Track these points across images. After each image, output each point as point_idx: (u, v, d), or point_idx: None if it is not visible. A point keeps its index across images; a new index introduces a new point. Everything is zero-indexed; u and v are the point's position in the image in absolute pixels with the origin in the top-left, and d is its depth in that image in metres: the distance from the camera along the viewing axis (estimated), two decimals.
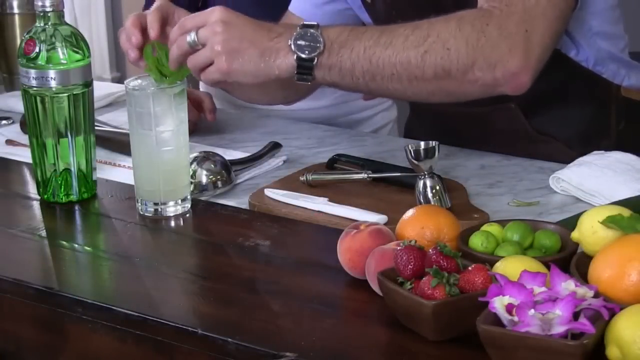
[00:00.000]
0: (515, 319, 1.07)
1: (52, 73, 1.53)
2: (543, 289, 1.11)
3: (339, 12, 1.84)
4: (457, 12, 1.47)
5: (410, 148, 1.47)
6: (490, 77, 1.45)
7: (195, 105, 1.92)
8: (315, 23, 1.46)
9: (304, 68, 1.45)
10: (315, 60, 1.45)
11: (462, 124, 1.81)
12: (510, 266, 1.19)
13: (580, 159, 1.61)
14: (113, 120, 1.97)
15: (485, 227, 1.31)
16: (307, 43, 1.44)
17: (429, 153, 1.47)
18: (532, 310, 1.07)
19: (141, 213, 1.54)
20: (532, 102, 1.66)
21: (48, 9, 1.53)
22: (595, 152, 1.62)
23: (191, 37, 1.46)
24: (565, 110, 1.74)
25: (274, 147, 1.76)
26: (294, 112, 2.09)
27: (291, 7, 1.87)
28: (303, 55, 1.44)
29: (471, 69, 1.44)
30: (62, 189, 1.58)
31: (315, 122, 2.05)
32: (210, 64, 1.45)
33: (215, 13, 1.45)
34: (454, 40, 1.44)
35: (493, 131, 1.77)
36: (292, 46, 1.45)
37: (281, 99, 1.92)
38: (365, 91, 1.56)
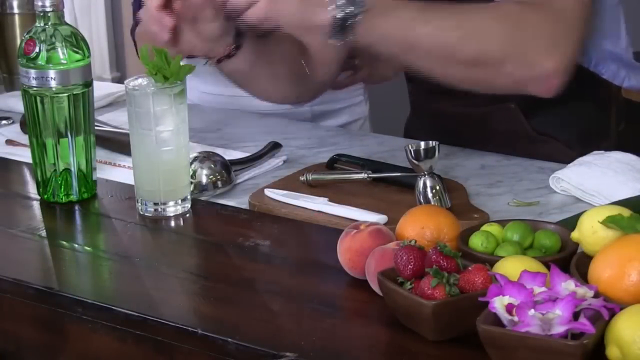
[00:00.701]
0: (515, 319, 1.07)
1: (52, 73, 1.53)
2: (543, 289, 1.11)
3: None
4: (499, 2, 1.46)
5: (410, 148, 1.47)
6: (524, 75, 1.44)
7: None
8: None
9: (341, 25, 1.44)
10: (355, 19, 1.43)
11: (461, 125, 1.81)
12: (510, 266, 1.19)
13: (580, 158, 1.61)
14: (113, 120, 1.97)
15: (485, 227, 1.31)
16: (347, 2, 1.43)
17: (429, 153, 1.47)
18: (532, 310, 1.07)
19: (141, 213, 1.54)
20: (532, 102, 1.66)
21: (48, 9, 1.53)
22: (595, 152, 1.62)
23: None
24: (565, 110, 1.74)
25: (274, 147, 1.76)
26: (252, 102, 2.04)
27: None
28: (343, 12, 1.43)
29: (507, 62, 1.43)
30: (62, 189, 1.58)
31: (276, 115, 2.03)
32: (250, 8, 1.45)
33: None
34: (496, 31, 1.43)
35: (493, 132, 1.77)
36: (333, 3, 1.43)
37: (294, 96, 1.91)
38: (395, 62, 1.54)
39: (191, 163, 1.58)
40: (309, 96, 1.92)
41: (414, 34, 1.44)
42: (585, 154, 1.62)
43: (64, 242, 1.47)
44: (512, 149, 1.75)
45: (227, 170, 1.62)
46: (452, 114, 1.78)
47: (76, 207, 1.58)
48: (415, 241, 1.23)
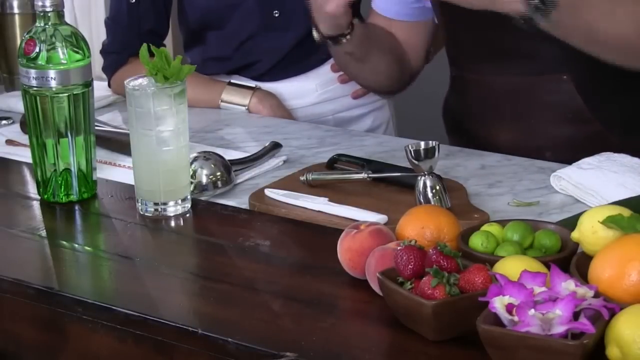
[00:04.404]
0: (516, 319, 1.07)
1: (52, 73, 1.53)
2: (543, 289, 1.11)
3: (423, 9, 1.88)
4: None
5: (410, 148, 1.47)
6: None
7: None
8: None
9: (532, 14, 1.47)
10: (546, 11, 1.46)
11: (505, 96, 1.79)
12: (510, 266, 1.19)
13: (583, 160, 1.60)
14: (113, 120, 1.97)
15: (485, 227, 1.31)
16: None
17: (429, 153, 1.47)
18: (532, 310, 1.07)
19: (141, 213, 1.54)
20: (587, 77, 1.64)
21: (48, 9, 1.53)
22: (601, 153, 1.61)
23: None
24: (623, 98, 1.73)
25: (274, 147, 1.76)
26: None
27: (374, 6, 1.92)
28: (535, 3, 1.46)
29: None
30: (62, 189, 1.58)
31: (301, 121, 2.06)
32: None
33: None
34: None
35: (538, 103, 1.75)
36: None
37: (388, 84, 1.95)
38: (577, 47, 1.55)
39: (191, 163, 1.58)
40: (400, 87, 1.97)
41: (603, 28, 1.48)
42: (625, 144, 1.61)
43: (64, 242, 1.47)
44: (553, 124, 1.74)
45: (227, 170, 1.62)
46: (498, 84, 1.77)
47: (76, 207, 1.58)
48: (416, 241, 1.23)
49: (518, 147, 1.77)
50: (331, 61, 2.16)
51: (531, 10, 1.48)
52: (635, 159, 1.59)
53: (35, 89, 1.55)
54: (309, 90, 2.15)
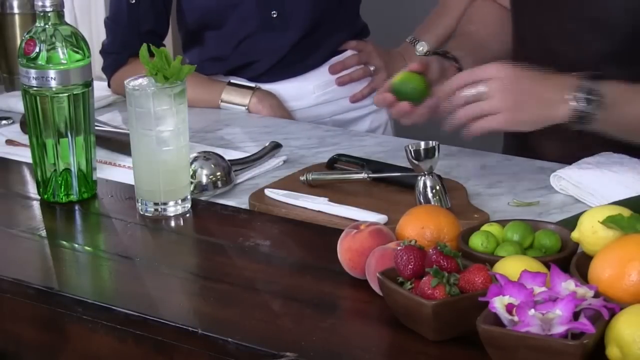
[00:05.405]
0: (516, 318, 1.07)
1: (52, 73, 1.53)
2: (543, 289, 1.11)
3: None
4: None
5: (410, 148, 1.47)
6: None
7: None
8: (595, 74, 1.53)
9: (580, 118, 1.52)
10: (592, 114, 1.51)
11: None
12: (510, 266, 1.19)
13: (583, 160, 1.60)
14: (113, 120, 1.97)
15: (485, 227, 1.31)
16: (586, 96, 1.52)
17: (429, 153, 1.47)
18: (532, 310, 1.07)
19: (141, 213, 1.54)
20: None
21: (48, 9, 1.53)
22: (602, 153, 1.61)
23: (472, 91, 1.54)
24: None
25: (274, 147, 1.76)
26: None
27: None
28: (582, 108, 1.52)
29: None
30: (62, 189, 1.58)
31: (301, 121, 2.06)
32: (485, 115, 1.53)
33: (493, 68, 1.55)
34: None
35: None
36: (572, 98, 1.51)
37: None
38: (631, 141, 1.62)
39: (191, 163, 1.58)
40: None
41: None
42: None
43: (64, 242, 1.47)
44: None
45: (227, 170, 1.62)
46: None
47: (76, 207, 1.58)
48: (416, 241, 1.23)
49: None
50: (329, 63, 2.16)
51: (579, 112, 1.52)
52: (635, 159, 1.60)
53: (35, 89, 1.55)
54: (307, 92, 2.15)
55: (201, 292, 1.32)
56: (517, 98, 1.53)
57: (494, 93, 1.53)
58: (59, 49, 1.54)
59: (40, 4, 1.53)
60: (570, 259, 1.23)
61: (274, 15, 2.09)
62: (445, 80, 1.69)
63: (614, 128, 1.56)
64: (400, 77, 1.71)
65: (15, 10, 2.22)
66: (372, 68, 2.18)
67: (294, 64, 2.14)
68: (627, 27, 1.66)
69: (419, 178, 1.49)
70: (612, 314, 1.09)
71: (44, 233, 1.50)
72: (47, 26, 1.54)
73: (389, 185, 1.58)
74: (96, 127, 1.65)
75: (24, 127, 1.83)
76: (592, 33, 1.69)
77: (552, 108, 1.53)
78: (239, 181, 1.66)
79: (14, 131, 1.93)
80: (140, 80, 1.51)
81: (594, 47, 1.69)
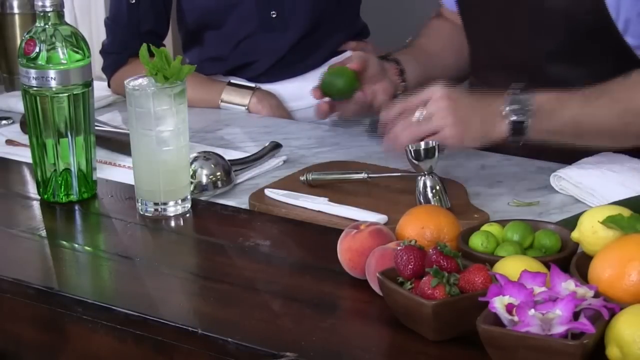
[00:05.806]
0: (516, 319, 1.07)
1: (52, 73, 1.53)
2: (543, 289, 1.11)
3: None
4: None
5: (410, 148, 1.48)
6: None
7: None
8: (522, 85, 1.58)
9: (517, 130, 1.57)
10: (527, 124, 1.56)
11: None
12: (510, 266, 1.19)
13: (583, 160, 1.60)
14: (113, 120, 1.97)
15: (485, 227, 1.31)
16: (519, 107, 1.56)
17: (429, 153, 1.47)
18: (532, 310, 1.07)
19: (141, 213, 1.54)
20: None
21: (48, 9, 1.53)
22: (599, 154, 1.62)
23: (420, 113, 1.56)
24: None
25: (274, 147, 1.76)
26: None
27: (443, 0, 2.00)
28: (516, 119, 1.56)
29: None
30: (62, 189, 1.58)
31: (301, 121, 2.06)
32: (435, 132, 1.55)
33: (434, 90, 1.57)
34: None
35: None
36: (508, 111, 1.56)
37: (462, 71, 2.00)
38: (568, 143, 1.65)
39: (191, 163, 1.58)
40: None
41: (582, 126, 1.58)
42: None
43: (64, 242, 1.47)
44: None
45: (227, 170, 1.62)
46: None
47: (76, 207, 1.58)
48: (416, 241, 1.23)
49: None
50: (329, 64, 2.16)
51: (515, 124, 1.56)
52: (635, 159, 1.60)
53: (35, 89, 1.55)
54: (307, 92, 2.14)
55: (201, 292, 1.32)
56: (459, 114, 1.55)
57: (436, 112, 1.55)
58: (59, 49, 1.54)
59: (40, 4, 1.53)
60: (570, 259, 1.23)
61: (274, 16, 2.09)
62: (384, 78, 1.83)
63: (553, 135, 1.59)
64: (332, 71, 1.80)
65: (15, 10, 2.22)
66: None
67: (294, 64, 2.14)
68: (563, 27, 1.70)
69: (419, 178, 1.49)
70: (612, 314, 1.09)
71: (44, 233, 1.50)
72: (47, 26, 1.54)
73: (389, 185, 1.58)
74: (96, 127, 1.65)
75: (24, 127, 1.83)
76: (535, 35, 1.74)
77: (492, 124, 1.57)
78: (239, 181, 1.66)
79: (14, 131, 1.93)
80: (140, 80, 1.51)
81: (538, 49, 1.75)
